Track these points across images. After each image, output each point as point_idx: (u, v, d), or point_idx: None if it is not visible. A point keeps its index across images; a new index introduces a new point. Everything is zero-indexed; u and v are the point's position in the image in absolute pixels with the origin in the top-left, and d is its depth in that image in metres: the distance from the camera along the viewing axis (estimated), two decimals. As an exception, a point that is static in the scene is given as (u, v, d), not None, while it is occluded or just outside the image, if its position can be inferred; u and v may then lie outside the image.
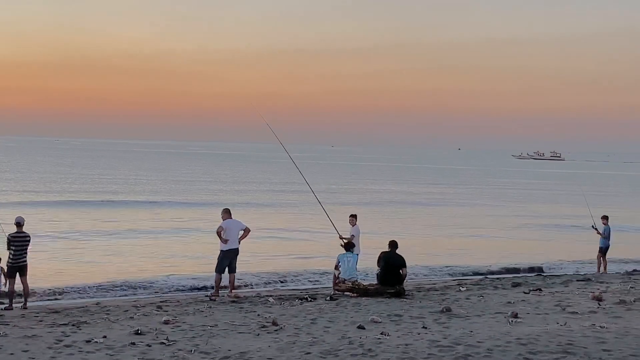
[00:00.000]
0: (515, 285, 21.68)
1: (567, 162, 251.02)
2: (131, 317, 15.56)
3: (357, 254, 20.16)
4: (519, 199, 69.42)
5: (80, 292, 21.22)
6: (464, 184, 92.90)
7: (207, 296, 19.40)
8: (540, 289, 20.33)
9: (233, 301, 18.24)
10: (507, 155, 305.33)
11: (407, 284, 20.02)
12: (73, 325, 14.55)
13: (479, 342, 12.59)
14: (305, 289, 21.76)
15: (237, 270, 20.01)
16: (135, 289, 22.03)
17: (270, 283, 23.77)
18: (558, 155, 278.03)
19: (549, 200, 69.16)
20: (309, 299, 18.43)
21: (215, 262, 19.78)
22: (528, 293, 19.60)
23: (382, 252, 19.43)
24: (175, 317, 15.44)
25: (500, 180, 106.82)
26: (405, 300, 18.20)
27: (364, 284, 19.63)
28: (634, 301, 17.70)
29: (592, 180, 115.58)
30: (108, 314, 16.16)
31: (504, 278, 24.38)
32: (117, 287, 22.08)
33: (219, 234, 19.58)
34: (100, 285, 22.04)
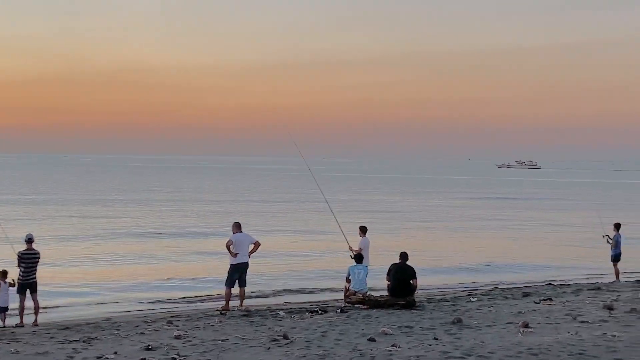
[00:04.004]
0: (526, 295, 21.61)
1: (543, 170, 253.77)
2: (142, 333, 15.57)
3: (367, 266, 20.16)
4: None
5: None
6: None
7: (217, 310, 19.40)
8: (550, 299, 20.26)
9: (243, 315, 18.22)
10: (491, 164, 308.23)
11: (418, 295, 19.99)
12: (84, 341, 14.57)
13: (490, 352, 12.56)
14: (316, 302, 21.73)
15: (247, 284, 20.06)
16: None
17: (280, 295, 23.82)
18: (534, 163, 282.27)
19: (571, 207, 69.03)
20: (320, 312, 18.40)
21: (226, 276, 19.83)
22: (539, 303, 19.54)
23: (393, 264, 19.42)
24: (186, 331, 15.44)
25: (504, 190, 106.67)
26: (416, 311, 18.16)
27: (375, 295, 19.61)
28: (645, 309, 17.62)
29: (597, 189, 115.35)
30: (118, 329, 16.18)
31: (514, 288, 24.31)
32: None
33: (228, 247, 19.60)
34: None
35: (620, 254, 26.25)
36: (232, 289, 19.73)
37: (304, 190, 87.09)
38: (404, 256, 19.51)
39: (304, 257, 33.23)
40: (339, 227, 21.21)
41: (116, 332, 15.69)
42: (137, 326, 16.61)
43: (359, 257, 19.96)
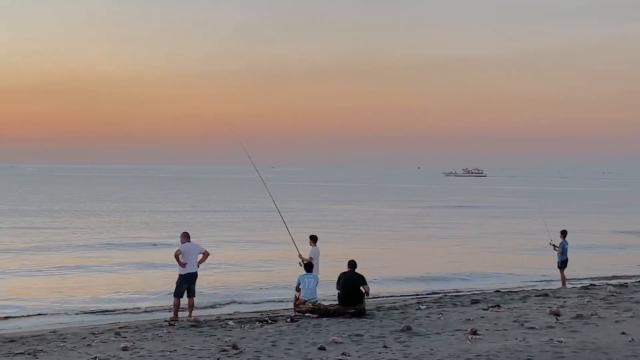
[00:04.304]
0: (474, 302, 21.80)
1: (489, 177, 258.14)
2: (89, 345, 15.34)
3: (317, 275, 20.14)
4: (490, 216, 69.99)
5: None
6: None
7: (165, 321, 19.20)
8: (498, 305, 20.46)
9: (192, 325, 18.07)
10: (439, 173, 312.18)
11: (368, 303, 20.02)
12: (29, 354, 14.30)
13: (439, 360, 12.63)
14: (266, 311, 21.65)
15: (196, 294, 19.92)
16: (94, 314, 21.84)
17: (230, 304, 23.68)
18: (480, 171, 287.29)
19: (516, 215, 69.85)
20: (270, 321, 18.33)
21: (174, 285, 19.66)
22: (487, 309, 19.72)
23: (342, 273, 19.44)
24: (134, 343, 15.25)
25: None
26: (366, 319, 18.19)
27: (325, 304, 19.60)
28: (591, 315, 17.89)
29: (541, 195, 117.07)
30: (65, 341, 15.91)
31: (463, 295, 24.51)
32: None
33: (177, 257, 19.45)
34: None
35: (567, 260, 26.61)
36: (180, 299, 19.57)
37: (254, 199, 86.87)
38: (352, 264, 19.55)
39: (253, 266, 33.10)
40: (290, 236, 21.17)
41: (62, 344, 15.44)
42: (84, 338, 16.36)
43: (309, 266, 19.94)
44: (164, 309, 21.89)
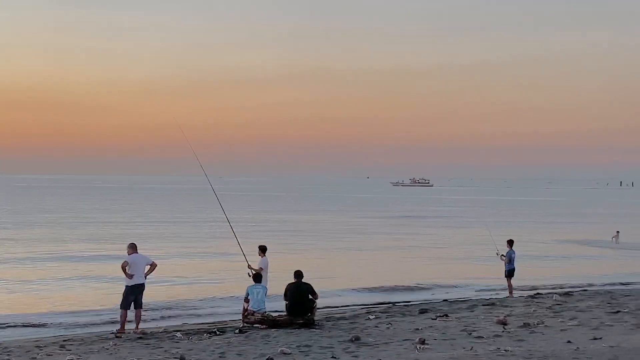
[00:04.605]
0: (423, 311, 21.91)
1: (435, 187, 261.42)
2: (34, 358, 15.07)
3: (266, 286, 20.07)
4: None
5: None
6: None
7: (112, 333, 18.95)
8: (447, 315, 20.61)
9: (139, 337, 17.87)
10: (386, 182, 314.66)
11: (317, 313, 20.00)
12: (-29, 368, 14.01)
13: (387, 370, 12.65)
14: (214, 322, 21.51)
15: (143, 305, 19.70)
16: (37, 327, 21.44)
17: (178, 316, 23.44)
18: (427, 181, 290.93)
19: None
20: (218, 332, 18.22)
21: (121, 297, 19.42)
22: (435, 319, 19.84)
23: (289, 284, 19.42)
24: (80, 356, 15.03)
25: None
26: (314, 330, 18.17)
27: (274, 315, 19.54)
28: (537, 324, 18.12)
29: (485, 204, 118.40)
30: (9, 355, 15.61)
31: (411, 305, 24.63)
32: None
33: (124, 268, 19.23)
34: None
35: (513, 269, 26.92)
36: (127, 311, 19.33)
37: (203, 210, 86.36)
38: (299, 274, 19.54)
39: (202, 277, 32.85)
40: (239, 246, 21.06)
41: (7, 358, 15.14)
42: (29, 351, 16.06)
43: (257, 277, 19.88)
44: (111, 322, 21.58)
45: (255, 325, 18.97)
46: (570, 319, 19.16)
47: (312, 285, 19.44)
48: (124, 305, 19.30)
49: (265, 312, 19.41)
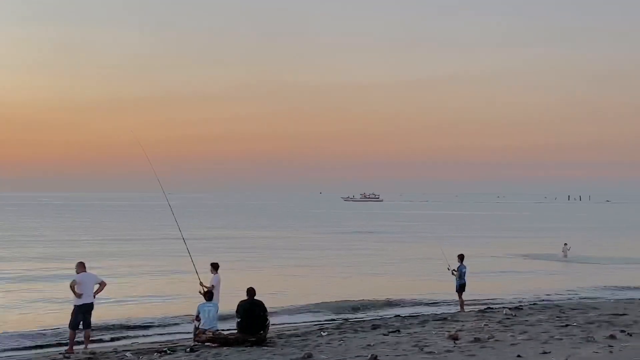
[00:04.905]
0: (375, 327, 21.93)
1: (385, 202, 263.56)
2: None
3: (217, 304, 19.94)
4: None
5: None
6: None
7: (61, 354, 18.65)
8: (398, 330, 20.65)
9: (88, 358, 17.61)
10: (338, 197, 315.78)
11: (269, 330, 19.90)
12: None
13: (339, 387, 12.61)
14: (165, 341, 21.28)
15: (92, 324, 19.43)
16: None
17: (128, 336, 23.14)
18: (377, 196, 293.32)
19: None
20: (168, 352, 18.03)
21: (69, 317, 19.14)
22: (387, 335, 19.87)
23: (241, 301, 19.31)
24: (26, 378, 14.75)
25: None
26: (266, 348, 18.07)
27: (225, 333, 19.41)
28: (488, 339, 18.23)
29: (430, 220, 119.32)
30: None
31: (364, 321, 24.63)
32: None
33: (72, 287, 18.95)
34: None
35: (464, 284, 27.10)
36: (76, 331, 19.05)
37: (157, 227, 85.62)
38: (251, 292, 19.45)
39: (153, 296, 32.51)
40: (192, 263, 20.89)
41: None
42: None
43: (209, 295, 19.74)
44: (60, 342, 21.23)
45: (206, 344, 18.81)
46: (520, 333, 19.33)
47: (264, 302, 19.36)
48: (73, 325, 19.02)
49: (217, 330, 19.27)
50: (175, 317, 26.36)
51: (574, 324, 21.33)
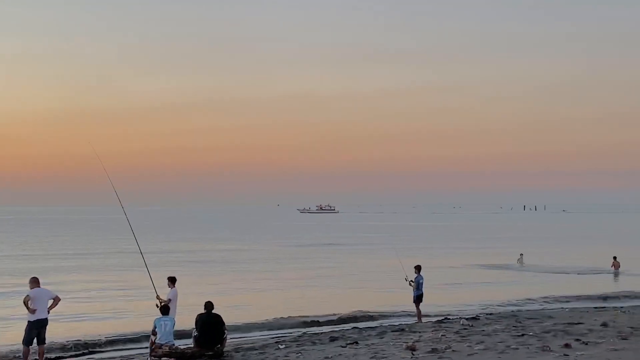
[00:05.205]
0: (333, 339, 21.92)
1: (341, 214, 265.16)
2: None
3: (174, 318, 19.78)
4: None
5: None
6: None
7: (14, 371, 18.34)
8: (357, 342, 20.67)
9: (43, 375, 17.33)
10: (294, 209, 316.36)
11: (226, 344, 19.78)
12: None
13: (297, 400, 12.56)
14: (120, 357, 21.04)
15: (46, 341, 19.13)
16: None
17: (83, 353, 22.81)
18: (332, 208, 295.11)
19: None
20: (124, 367, 17.83)
21: (23, 333, 18.83)
22: (345, 347, 19.87)
23: (198, 315, 19.20)
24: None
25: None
26: (223, 362, 17.96)
27: (182, 347, 19.25)
28: (445, 349, 18.33)
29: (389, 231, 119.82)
30: None
31: (322, 333, 24.59)
32: None
33: (25, 303, 18.65)
34: None
35: (422, 295, 27.24)
36: (30, 347, 18.74)
37: (114, 241, 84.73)
38: (209, 305, 19.35)
39: (108, 310, 32.12)
40: (150, 277, 20.71)
41: None
42: None
43: (165, 309, 19.57)
44: (14, 358, 20.87)
45: (163, 359, 18.64)
46: (477, 343, 19.46)
47: (221, 316, 19.25)
48: (26, 342, 18.70)
49: (174, 345, 19.10)
50: (131, 331, 26.05)
51: (530, 333, 21.53)
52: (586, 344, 19.21)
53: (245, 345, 21.57)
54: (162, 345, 18.89)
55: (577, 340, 19.82)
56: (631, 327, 22.63)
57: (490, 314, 29.04)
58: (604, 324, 23.47)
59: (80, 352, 23.08)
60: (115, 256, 62.71)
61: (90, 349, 23.35)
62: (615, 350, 18.11)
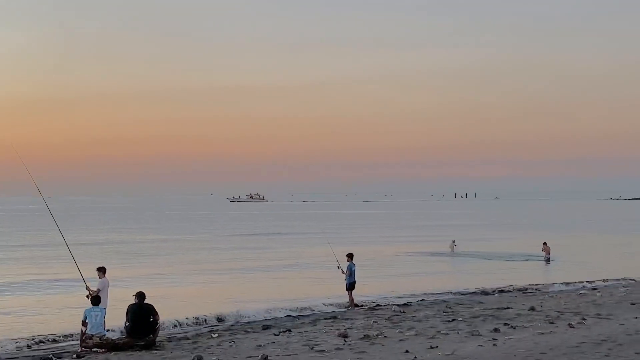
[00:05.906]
0: (266, 327, 21.96)
1: (270, 203, 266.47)
2: None
3: (105, 308, 19.55)
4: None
5: None
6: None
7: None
8: (290, 330, 20.73)
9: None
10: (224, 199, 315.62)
11: (159, 334, 19.63)
12: None
13: (230, 388, 12.56)
14: (51, 348, 20.69)
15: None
16: None
17: (10, 344, 22.33)
18: (261, 197, 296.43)
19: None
20: (54, 359, 17.57)
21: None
22: (278, 335, 19.93)
23: (130, 305, 19.03)
24: None
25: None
26: (156, 351, 17.86)
27: (113, 338, 19.05)
28: (377, 335, 18.53)
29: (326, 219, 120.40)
30: None
31: (254, 322, 24.58)
32: None
33: None
34: None
35: (354, 282, 27.45)
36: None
37: (36, 233, 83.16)
38: (140, 295, 19.20)
39: (37, 302, 31.55)
40: (77, 268, 20.38)
41: None
42: None
43: (96, 299, 19.34)
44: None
45: (94, 350, 18.43)
46: (408, 329, 19.71)
47: (154, 305, 19.11)
48: None
49: (104, 335, 18.89)
50: (61, 322, 25.60)
51: (460, 318, 21.90)
52: (514, 328, 19.63)
53: (178, 335, 21.45)
54: (92, 335, 18.67)
55: (506, 324, 20.23)
56: (558, 312, 23.20)
57: (422, 300, 29.39)
58: (532, 308, 24.01)
59: (6, 343, 22.60)
60: (40, 248, 61.50)
61: (16, 339, 22.87)
62: (542, 334, 18.54)
